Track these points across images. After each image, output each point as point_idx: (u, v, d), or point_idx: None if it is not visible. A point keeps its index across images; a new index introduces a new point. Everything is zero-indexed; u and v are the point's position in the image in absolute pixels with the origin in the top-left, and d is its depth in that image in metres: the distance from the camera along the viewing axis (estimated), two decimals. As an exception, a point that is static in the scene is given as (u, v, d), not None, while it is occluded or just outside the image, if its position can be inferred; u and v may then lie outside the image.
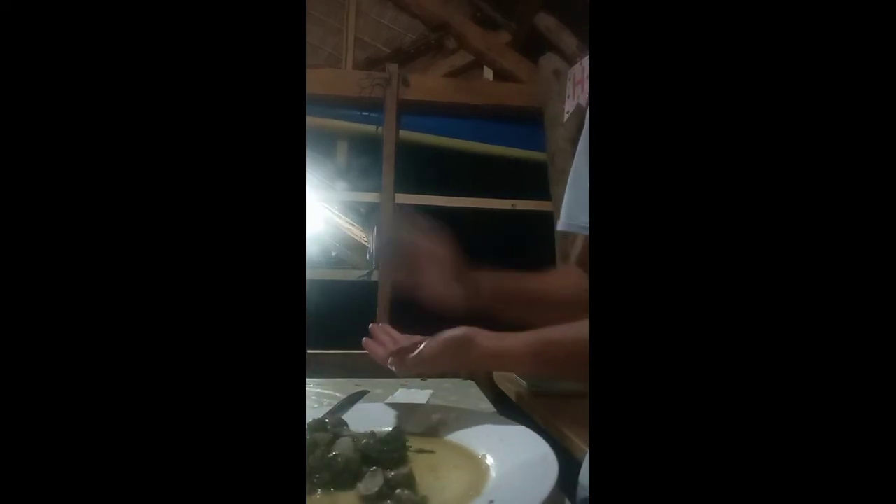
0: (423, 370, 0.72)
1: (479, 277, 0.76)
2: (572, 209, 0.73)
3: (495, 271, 0.77)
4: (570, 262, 0.82)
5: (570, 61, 1.95)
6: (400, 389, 1.02)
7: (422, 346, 0.67)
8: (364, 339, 0.75)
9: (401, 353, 0.69)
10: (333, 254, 2.19)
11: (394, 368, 0.69)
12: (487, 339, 0.68)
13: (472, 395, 1.02)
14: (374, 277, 2.06)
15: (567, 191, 0.75)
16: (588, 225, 0.71)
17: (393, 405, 0.73)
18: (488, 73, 2.35)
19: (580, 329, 0.66)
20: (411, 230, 0.77)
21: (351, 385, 0.98)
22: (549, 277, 0.81)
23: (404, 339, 0.73)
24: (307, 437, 0.55)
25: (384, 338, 0.75)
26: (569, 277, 0.77)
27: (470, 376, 1.27)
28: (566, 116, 1.89)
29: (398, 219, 0.78)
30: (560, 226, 0.75)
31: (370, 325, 0.77)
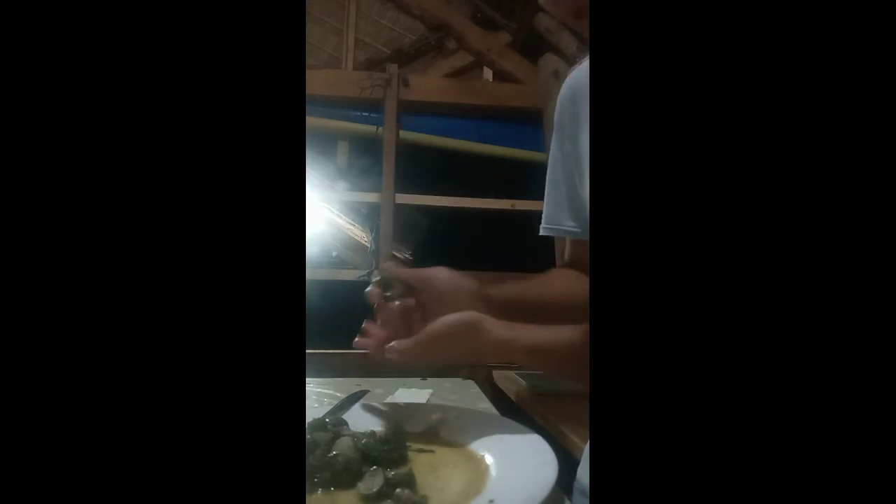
0: (423, 356, 0.63)
1: (484, 294, 0.69)
2: (551, 213, 0.73)
3: (494, 282, 0.71)
4: (563, 262, 0.80)
5: (570, 62, 1.95)
6: (400, 389, 1.02)
7: (423, 330, 0.61)
8: (355, 339, 0.69)
9: (398, 338, 0.63)
10: (334, 254, 2.19)
11: (390, 356, 0.62)
12: (498, 327, 0.62)
13: (471, 395, 1.02)
14: (374, 277, 2.06)
15: (545, 195, 0.74)
16: (570, 227, 0.71)
17: (393, 405, 0.73)
18: (488, 74, 2.36)
19: None
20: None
21: (351, 385, 0.98)
22: (546, 281, 0.76)
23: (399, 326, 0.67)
24: (307, 436, 0.55)
25: (375, 331, 0.69)
26: (564, 280, 0.73)
27: (470, 376, 1.27)
28: (566, 117, 1.89)
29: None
30: (542, 231, 0.74)
31: (363, 325, 0.70)
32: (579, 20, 0.62)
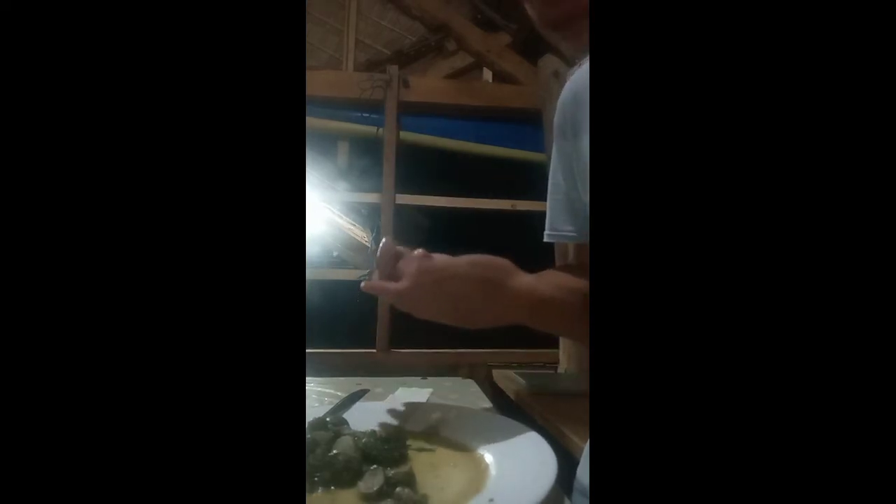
0: (445, 292, 0.56)
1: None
2: (552, 218, 0.73)
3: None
4: (568, 265, 0.79)
5: (570, 63, 1.95)
6: (400, 388, 1.02)
7: (444, 265, 0.57)
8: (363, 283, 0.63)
9: (417, 269, 0.57)
10: (334, 254, 2.18)
11: (407, 287, 0.57)
12: (527, 276, 0.58)
13: (471, 394, 1.02)
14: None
15: (548, 201, 0.74)
16: (567, 232, 0.71)
17: (393, 404, 0.73)
18: (488, 75, 2.35)
19: None
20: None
21: (351, 384, 0.98)
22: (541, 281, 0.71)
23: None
24: (308, 435, 0.55)
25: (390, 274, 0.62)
26: (554, 279, 0.70)
27: (470, 375, 1.27)
28: (566, 117, 1.89)
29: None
30: (546, 237, 0.74)
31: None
32: (556, 31, 0.61)
